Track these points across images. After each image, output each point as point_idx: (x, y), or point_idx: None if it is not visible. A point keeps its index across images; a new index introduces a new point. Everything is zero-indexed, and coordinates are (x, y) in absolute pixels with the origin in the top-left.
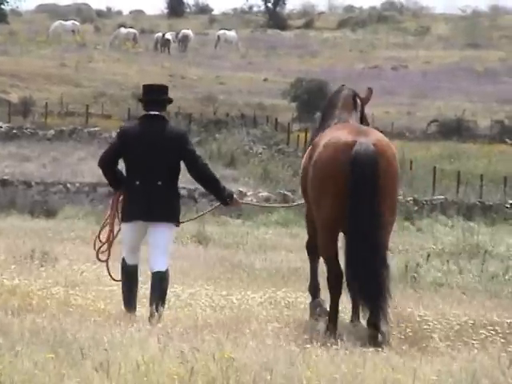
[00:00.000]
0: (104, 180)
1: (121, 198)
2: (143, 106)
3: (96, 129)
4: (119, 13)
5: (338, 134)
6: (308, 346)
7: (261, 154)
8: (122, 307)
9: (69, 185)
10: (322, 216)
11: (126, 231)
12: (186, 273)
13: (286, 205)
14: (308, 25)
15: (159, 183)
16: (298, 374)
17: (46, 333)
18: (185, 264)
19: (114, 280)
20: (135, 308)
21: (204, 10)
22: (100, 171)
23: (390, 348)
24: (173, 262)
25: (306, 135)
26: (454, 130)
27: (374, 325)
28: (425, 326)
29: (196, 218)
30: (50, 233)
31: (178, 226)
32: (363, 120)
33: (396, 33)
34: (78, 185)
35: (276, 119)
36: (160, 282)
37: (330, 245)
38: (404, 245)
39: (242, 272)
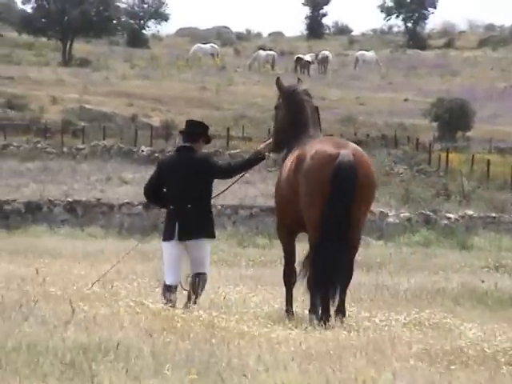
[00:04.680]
0: (247, 203)
1: None
2: (182, 138)
3: (237, 151)
4: (259, 35)
5: (322, 146)
6: (452, 367)
7: (402, 174)
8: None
9: None
10: (314, 214)
11: (165, 250)
12: None
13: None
14: (448, 44)
15: (189, 206)
16: None
17: (191, 355)
18: None
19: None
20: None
21: (343, 30)
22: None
23: None
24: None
25: (447, 155)
26: None
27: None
28: None
29: (227, 189)
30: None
31: (213, 237)
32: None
33: None
34: (219, 207)
35: (417, 139)
36: (199, 279)
37: None
38: None
39: (385, 293)
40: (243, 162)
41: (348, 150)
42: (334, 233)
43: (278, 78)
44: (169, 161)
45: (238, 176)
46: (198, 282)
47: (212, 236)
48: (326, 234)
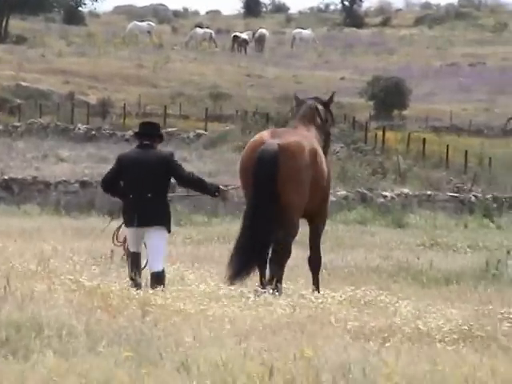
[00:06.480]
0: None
1: None
2: (138, 138)
3: (174, 129)
4: (196, 13)
5: (258, 137)
6: (387, 344)
7: (338, 152)
8: (128, 279)
9: None
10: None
11: (128, 234)
12: None
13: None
14: (385, 22)
15: (149, 195)
16: (377, 373)
17: (126, 333)
18: None
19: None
20: (139, 283)
21: (280, 9)
22: None
23: (471, 346)
24: None
25: (383, 133)
26: None
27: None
28: (507, 324)
29: (185, 197)
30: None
31: (169, 231)
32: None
33: (473, 29)
34: None
35: (353, 118)
36: (157, 281)
37: None
38: (484, 242)
39: (321, 271)
40: (200, 182)
41: (276, 140)
42: (255, 211)
43: (295, 95)
44: (130, 155)
45: (193, 193)
46: (156, 283)
47: (168, 229)
48: (250, 210)
